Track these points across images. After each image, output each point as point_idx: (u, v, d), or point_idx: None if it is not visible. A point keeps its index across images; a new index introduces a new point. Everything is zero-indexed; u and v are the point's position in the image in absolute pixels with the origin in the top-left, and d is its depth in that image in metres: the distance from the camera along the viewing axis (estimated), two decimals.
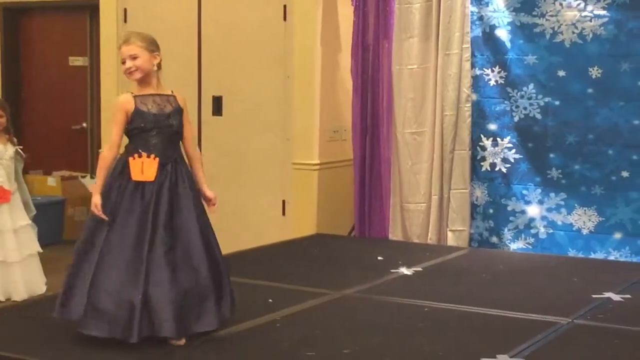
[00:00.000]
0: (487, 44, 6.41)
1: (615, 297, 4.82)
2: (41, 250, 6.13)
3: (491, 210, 6.51)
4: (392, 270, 5.46)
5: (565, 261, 5.96)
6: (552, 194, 6.33)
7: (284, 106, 6.85)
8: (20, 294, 5.85)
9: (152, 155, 3.90)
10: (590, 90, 6.16)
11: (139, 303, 3.74)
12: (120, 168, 3.93)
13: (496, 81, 6.40)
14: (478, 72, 6.44)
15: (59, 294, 3.99)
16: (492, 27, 6.38)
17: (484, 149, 6.48)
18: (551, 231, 6.34)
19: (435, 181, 6.47)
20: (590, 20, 6.10)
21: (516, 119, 6.38)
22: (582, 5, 6.11)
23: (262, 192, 6.94)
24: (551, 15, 6.20)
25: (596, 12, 6.08)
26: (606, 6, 6.05)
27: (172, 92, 4.09)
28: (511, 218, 6.45)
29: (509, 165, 6.43)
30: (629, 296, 4.86)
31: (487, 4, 6.38)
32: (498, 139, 6.45)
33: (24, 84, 9.27)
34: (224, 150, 7.03)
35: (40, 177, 8.63)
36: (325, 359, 3.79)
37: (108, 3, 7.64)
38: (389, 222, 6.66)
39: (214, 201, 4.11)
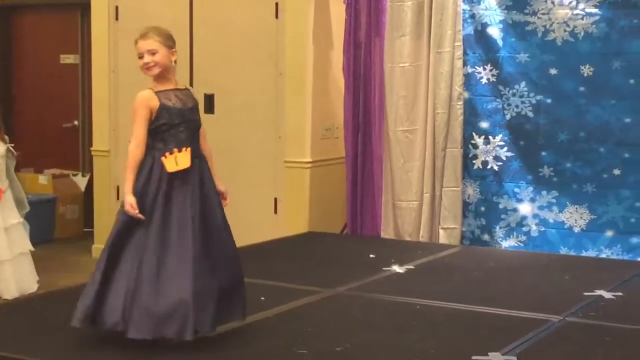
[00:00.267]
0: (479, 42, 6.41)
1: (607, 295, 4.83)
2: (33, 249, 6.12)
3: (483, 208, 6.51)
4: (384, 268, 5.46)
5: (556, 259, 5.97)
6: (544, 192, 6.34)
7: (276, 104, 6.85)
8: (11, 292, 5.84)
9: (184, 148, 3.84)
10: (581, 89, 6.16)
11: (192, 299, 3.68)
12: (150, 166, 3.82)
13: (488, 79, 6.41)
14: (470, 70, 6.44)
15: (84, 304, 3.77)
16: (484, 25, 6.38)
17: (475, 147, 6.49)
18: (543, 229, 6.35)
19: (427, 179, 6.48)
20: (582, 19, 6.11)
21: (508, 117, 6.38)
22: (574, 3, 6.12)
23: (254, 190, 6.93)
24: (543, 14, 6.21)
25: (588, 10, 6.09)
26: (598, 4, 6.06)
27: (186, 86, 4.04)
28: (503, 216, 6.45)
29: (500, 163, 6.43)
30: (620, 294, 4.86)
31: (479, 2, 6.38)
32: (490, 137, 6.45)
33: (15, 82, 9.26)
34: (216, 148, 6.89)
35: (32, 175, 8.61)
36: (317, 357, 3.79)
37: (99, 1, 7.62)
38: (381, 220, 6.67)
39: (225, 195, 4.08)
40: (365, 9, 6.64)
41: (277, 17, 6.83)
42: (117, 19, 7.52)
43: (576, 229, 6.25)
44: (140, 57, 3.89)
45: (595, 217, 6.20)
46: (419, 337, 4.08)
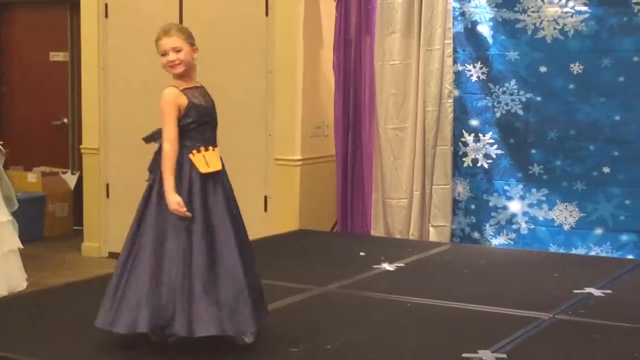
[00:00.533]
0: (469, 39, 6.42)
1: (596, 293, 4.84)
2: (22, 246, 6.10)
3: (473, 206, 6.52)
4: (374, 266, 5.46)
5: (546, 257, 5.98)
6: (534, 190, 6.35)
7: (266, 102, 6.84)
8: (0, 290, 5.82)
9: (210, 148, 3.82)
10: (571, 86, 6.18)
11: (249, 297, 3.68)
12: (180, 164, 3.74)
13: (478, 77, 6.41)
14: (460, 68, 6.45)
15: (123, 311, 3.64)
16: (474, 23, 6.38)
17: (465, 144, 6.49)
18: (532, 227, 6.36)
19: (417, 177, 6.48)
20: (572, 16, 6.12)
21: (498, 114, 6.39)
22: (564, 1, 6.13)
23: (243, 188, 6.88)
24: (533, 11, 6.22)
25: (577, 8, 6.10)
26: (587, 2, 6.07)
27: (201, 84, 3.99)
28: (493, 214, 6.46)
29: (490, 161, 6.44)
30: (609, 291, 4.88)
31: (469, 0, 6.38)
32: (480, 134, 6.46)
33: (4, 79, 9.23)
34: None
35: (21, 172, 8.58)
36: (307, 355, 3.78)
37: None
38: (371, 217, 6.67)
39: None
40: (355, 6, 6.64)
41: (267, 14, 6.83)
42: (106, 16, 7.50)
43: (566, 227, 6.26)
44: (164, 54, 3.83)
45: (584, 214, 6.21)
46: (409, 334, 4.08)
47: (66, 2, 8.70)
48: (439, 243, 6.37)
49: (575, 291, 4.84)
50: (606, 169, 6.14)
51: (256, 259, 3.93)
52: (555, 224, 6.29)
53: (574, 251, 6.21)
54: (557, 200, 6.28)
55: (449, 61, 6.40)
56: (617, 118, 6.08)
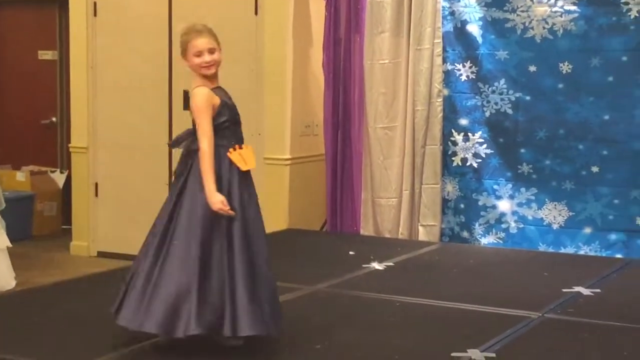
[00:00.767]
0: (458, 39, 6.42)
1: (585, 292, 4.85)
2: (10, 245, 6.09)
3: (462, 205, 6.52)
4: (363, 265, 5.46)
5: (535, 256, 5.99)
6: (523, 189, 6.35)
7: (255, 101, 6.82)
8: None
9: (244, 145, 3.82)
10: (560, 86, 6.18)
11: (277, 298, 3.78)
12: (218, 164, 3.72)
13: (467, 76, 6.41)
14: (449, 67, 6.45)
15: (162, 312, 3.61)
16: (464, 23, 6.39)
17: (455, 144, 6.50)
18: (522, 226, 6.37)
19: (406, 176, 6.48)
20: (561, 16, 6.13)
21: (487, 114, 6.40)
22: (553, 0, 6.14)
23: None
24: (522, 11, 6.22)
25: (566, 7, 6.11)
26: (576, 2, 6.08)
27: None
28: (482, 213, 6.46)
29: (480, 160, 6.45)
30: (598, 290, 4.89)
31: (458, 0, 6.39)
32: (469, 134, 6.46)
33: None
34: None
35: (9, 171, 8.55)
36: (297, 354, 3.78)
37: None
38: (361, 217, 6.66)
39: None
40: (345, 5, 6.63)
41: (256, 13, 6.82)
42: (95, 14, 7.47)
43: (555, 226, 6.27)
44: (198, 55, 3.84)
45: (573, 214, 6.22)
46: (398, 334, 4.08)
47: (55, 0, 8.67)
48: (428, 242, 6.37)
49: (564, 290, 4.85)
50: (595, 169, 6.15)
51: None
52: (545, 223, 6.30)
53: (563, 250, 6.22)
54: (546, 200, 6.29)
55: (439, 60, 6.40)
56: (606, 117, 6.09)
